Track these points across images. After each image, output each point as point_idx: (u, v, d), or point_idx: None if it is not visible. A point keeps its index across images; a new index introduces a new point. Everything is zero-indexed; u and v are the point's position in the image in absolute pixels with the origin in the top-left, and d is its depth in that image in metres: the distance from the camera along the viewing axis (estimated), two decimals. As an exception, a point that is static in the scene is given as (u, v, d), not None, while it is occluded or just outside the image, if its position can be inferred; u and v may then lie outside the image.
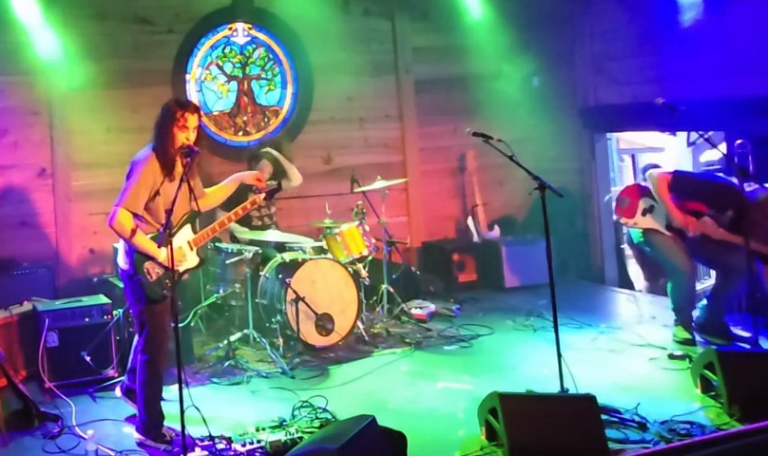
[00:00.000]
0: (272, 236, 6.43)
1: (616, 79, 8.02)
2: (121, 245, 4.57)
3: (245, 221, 6.88)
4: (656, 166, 7.34)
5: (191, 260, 4.71)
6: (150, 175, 4.42)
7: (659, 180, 5.89)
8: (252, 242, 6.54)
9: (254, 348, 6.21)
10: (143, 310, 4.52)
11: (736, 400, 4.51)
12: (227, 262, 6.35)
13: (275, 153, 7.04)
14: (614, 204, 6.31)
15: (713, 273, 6.24)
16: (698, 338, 5.91)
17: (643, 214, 6.01)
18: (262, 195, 4.99)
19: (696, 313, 6.04)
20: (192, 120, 4.48)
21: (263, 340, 6.11)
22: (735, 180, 5.65)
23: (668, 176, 5.89)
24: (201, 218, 5.02)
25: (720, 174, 6.03)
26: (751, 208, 5.54)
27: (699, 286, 6.81)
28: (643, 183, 6.26)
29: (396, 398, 5.20)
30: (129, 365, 4.97)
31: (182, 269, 4.62)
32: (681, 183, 5.86)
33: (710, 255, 5.93)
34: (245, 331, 6.25)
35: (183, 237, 4.63)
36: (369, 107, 8.30)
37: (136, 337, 4.69)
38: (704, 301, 6.06)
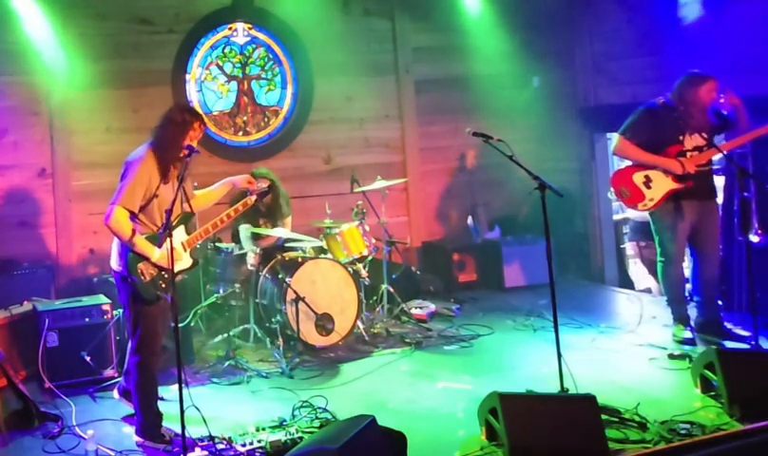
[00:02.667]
0: (276, 232, 6.40)
1: (616, 79, 8.02)
2: (114, 246, 4.57)
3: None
4: None
5: (185, 262, 4.73)
6: (146, 174, 4.43)
7: (622, 146, 5.85)
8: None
9: (254, 344, 6.22)
10: (137, 311, 4.52)
11: (736, 400, 4.50)
12: (227, 262, 6.34)
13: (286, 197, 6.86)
14: (619, 203, 6.21)
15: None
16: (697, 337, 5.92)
17: (647, 186, 5.81)
18: (253, 197, 5.04)
19: (693, 314, 6.04)
20: (202, 130, 4.60)
21: (265, 338, 6.12)
22: (657, 101, 5.81)
23: (622, 138, 5.84)
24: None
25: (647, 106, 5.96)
26: (678, 103, 5.70)
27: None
28: (621, 166, 6.19)
29: (396, 398, 5.20)
30: (125, 367, 4.97)
31: (175, 270, 4.61)
32: (636, 132, 5.80)
33: (692, 232, 5.88)
34: (246, 325, 6.27)
35: (178, 238, 4.62)
36: (369, 107, 8.30)
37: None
38: (696, 298, 6.04)
